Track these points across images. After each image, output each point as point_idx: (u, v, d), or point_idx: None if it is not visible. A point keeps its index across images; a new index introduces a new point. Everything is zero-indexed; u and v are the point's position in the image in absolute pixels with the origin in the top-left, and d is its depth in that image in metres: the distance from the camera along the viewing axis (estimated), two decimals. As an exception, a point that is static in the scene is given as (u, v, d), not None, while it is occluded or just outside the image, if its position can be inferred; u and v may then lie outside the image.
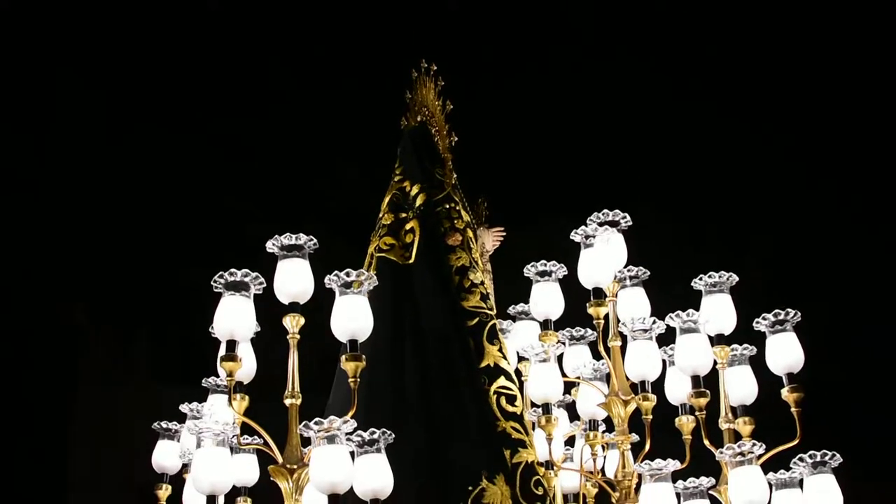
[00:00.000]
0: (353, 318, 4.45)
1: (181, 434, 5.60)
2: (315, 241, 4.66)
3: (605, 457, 5.32)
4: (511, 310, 5.94)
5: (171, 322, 10.36)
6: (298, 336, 4.57)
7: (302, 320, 4.59)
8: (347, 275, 4.49)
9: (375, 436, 4.34)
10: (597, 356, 5.32)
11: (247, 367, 4.75)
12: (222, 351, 4.64)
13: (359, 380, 4.41)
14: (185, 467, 5.58)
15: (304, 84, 10.55)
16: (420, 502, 4.80)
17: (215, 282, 4.54)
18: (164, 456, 5.77)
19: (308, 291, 4.61)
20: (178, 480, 5.82)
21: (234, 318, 4.49)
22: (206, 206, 10.51)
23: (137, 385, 10.48)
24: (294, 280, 4.60)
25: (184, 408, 5.66)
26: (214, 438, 4.26)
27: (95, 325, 10.67)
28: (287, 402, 4.50)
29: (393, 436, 4.41)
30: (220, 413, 5.68)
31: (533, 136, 10.61)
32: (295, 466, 4.37)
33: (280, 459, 4.40)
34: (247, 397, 4.70)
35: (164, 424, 5.77)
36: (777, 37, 10.84)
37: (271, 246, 4.64)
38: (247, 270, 4.54)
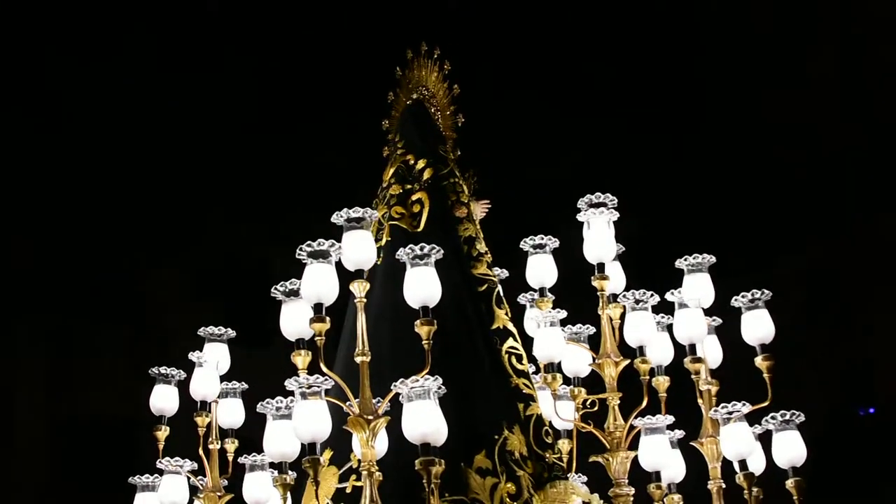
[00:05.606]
0: (424, 286, 4.99)
1: (192, 379, 6.02)
2: (377, 213, 5.17)
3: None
4: None
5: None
6: (365, 300, 5.08)
7: (367, 286, 5.10)
8: (422, 248, 5.01)
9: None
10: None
11: None
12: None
13: (431, 344, 4.95)
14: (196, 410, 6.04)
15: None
16: (452, 450, 5.32)
17: (300, 251, 4.98)
18: (162, 399, 6.18)
19: (371, 259, 5.12)
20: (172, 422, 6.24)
21: (319, 282, 4.97)
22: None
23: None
24: (358, 249, 5.09)
25: (193, 356, 6.09)
26: (308, 392, 4.73)
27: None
28: (357, 359, 5.00)
29: (444, 388, 5.00)
30: (220, 362, 6.16)
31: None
32: (370, 417, 4.90)
33: (357, 410, 4.91)
34: (310, 353, 5.16)
35: (161, 370, 6.17)
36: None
37: (337, 218, 5.10)
38: (333, 241, 5.00)
